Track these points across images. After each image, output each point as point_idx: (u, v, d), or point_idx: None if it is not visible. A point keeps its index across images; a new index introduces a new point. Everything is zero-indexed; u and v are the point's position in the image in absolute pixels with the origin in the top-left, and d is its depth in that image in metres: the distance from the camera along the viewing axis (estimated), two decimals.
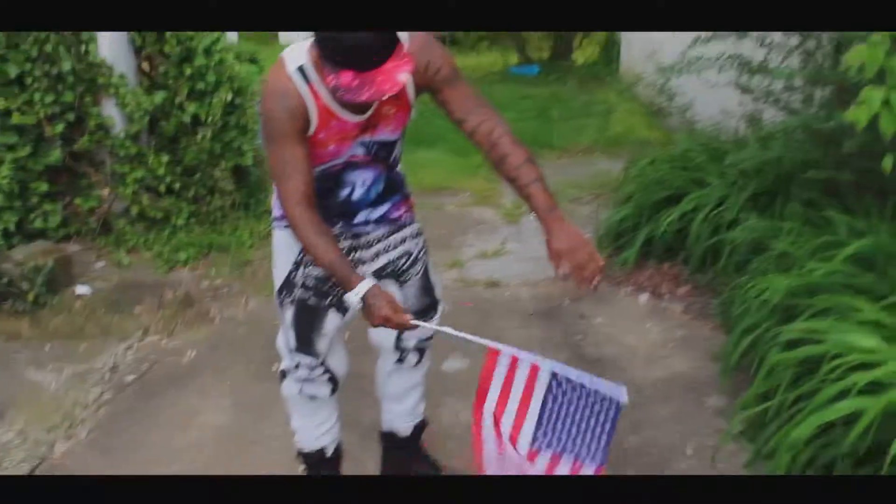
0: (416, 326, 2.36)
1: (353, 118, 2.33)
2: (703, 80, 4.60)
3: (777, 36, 4.09)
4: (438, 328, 2.43)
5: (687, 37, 4.51)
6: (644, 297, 4.49)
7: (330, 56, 2.05)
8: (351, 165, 2.47)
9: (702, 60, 4.33)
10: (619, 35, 10.47)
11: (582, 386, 2.15)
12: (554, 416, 2.22)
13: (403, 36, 2.22)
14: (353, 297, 2.28)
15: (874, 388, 2.45)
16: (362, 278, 2.29)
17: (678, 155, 5.14)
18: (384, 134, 2.42)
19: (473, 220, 5.98)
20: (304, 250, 2.46)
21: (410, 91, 2.36)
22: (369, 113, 2.35)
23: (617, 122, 8.33)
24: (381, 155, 2.49)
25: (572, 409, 2.19)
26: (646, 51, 7.34)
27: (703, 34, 4.32)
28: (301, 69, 2.25)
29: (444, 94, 2.34)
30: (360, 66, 2.03)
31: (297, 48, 2.29)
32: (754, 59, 4.21)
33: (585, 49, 12.48)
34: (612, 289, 4.65)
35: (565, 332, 4.19)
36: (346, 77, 2.03)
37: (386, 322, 2.27)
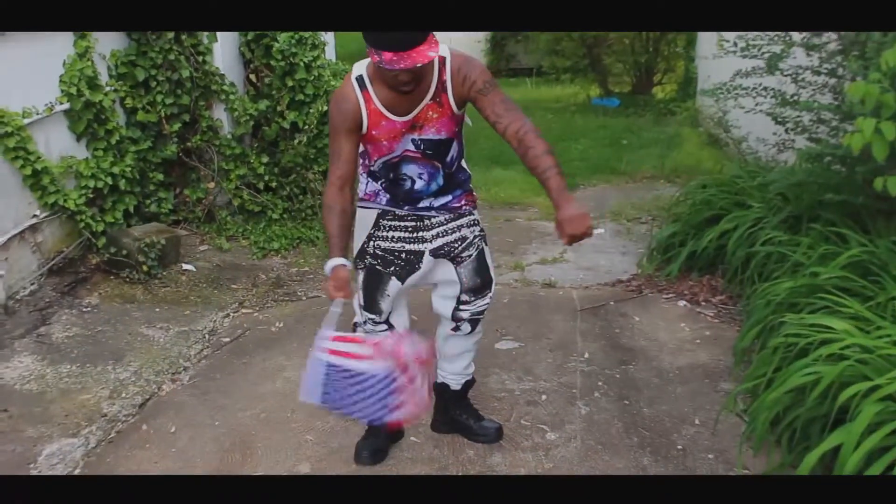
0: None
1: (398, 119, 2.96)
2: (751, 109, 5.09)
3: (808, 74, 4.57)
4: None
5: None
6: (682, 303, 4.98)
7: (374, 43, 2.69)
8: (406, 159, 3.08)
9: (738, 89, 4.85)
10: (696, 72, 10.90)
11: None
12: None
13: (446, 50, 2.90)
14: (326, 267, 2.92)
15: (837, 360, 2.93)
16: (340, 256, 2.92)
17: (727, 180, 5.62)
18: (430, 133, 3.02)
19: (538, 232, 6.52)
20: (375, 224, 3.17)
21: (451, 100, 2.97)
22: (412, 115, 2.97)
23: (682, 152, 8.79)
24: (432, 153, 3.07)
25: None
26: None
27: (743, 68, 4.84)
28: (359, 78, 2.94)
29: (479, 102, 2.94)
30: (396, 48, 2.66)
31: (361, 63, 2.98)
32: (788, 93, 4.70)
33: (665, 85, 12.93)
34: (655, 295, 5.14)
35: (606, 327, 4.69)
36: (387, 55, 2.67)
37: (329, 292, 2.88)
